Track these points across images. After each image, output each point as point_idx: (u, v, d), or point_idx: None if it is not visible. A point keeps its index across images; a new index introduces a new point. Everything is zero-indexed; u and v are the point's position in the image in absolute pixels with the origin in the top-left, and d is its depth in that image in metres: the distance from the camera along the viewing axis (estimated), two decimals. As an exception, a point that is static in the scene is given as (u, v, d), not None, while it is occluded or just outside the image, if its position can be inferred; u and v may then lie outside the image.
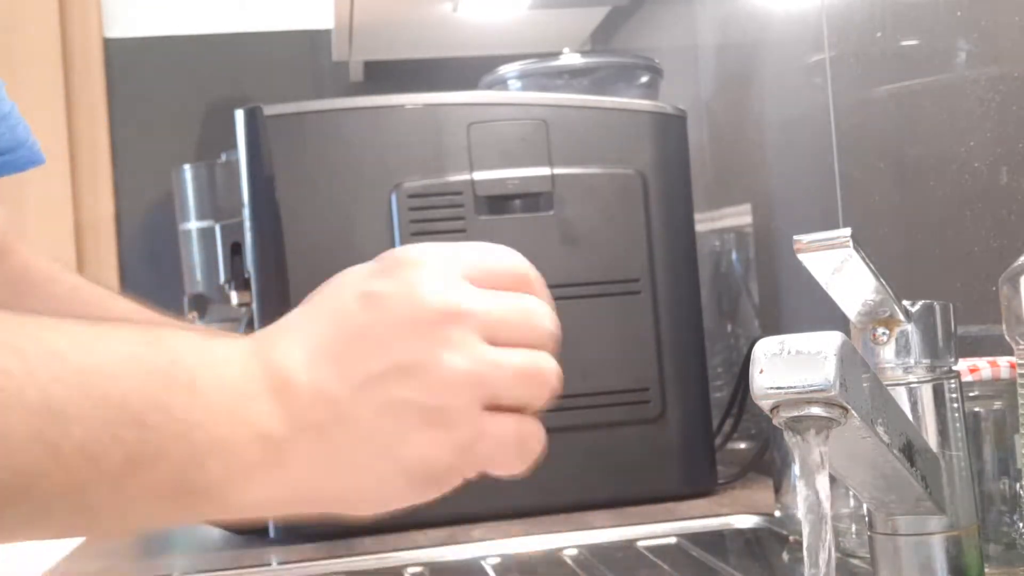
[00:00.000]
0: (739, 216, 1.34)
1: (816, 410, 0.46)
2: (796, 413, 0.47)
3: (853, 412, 0.47)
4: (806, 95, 1.12)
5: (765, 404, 0.48)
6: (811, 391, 0.46)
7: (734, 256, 1.37)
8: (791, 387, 0.46)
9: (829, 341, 0.46)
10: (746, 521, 1.01)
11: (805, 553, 0.46)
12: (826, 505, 0.46)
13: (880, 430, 0.50)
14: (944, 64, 0.88)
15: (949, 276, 0.88)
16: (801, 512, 0.47)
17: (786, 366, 0.46)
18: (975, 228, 0.84)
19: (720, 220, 1.40)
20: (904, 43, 0.94)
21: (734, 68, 1.34)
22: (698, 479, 1.12)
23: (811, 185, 1.12)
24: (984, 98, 0.83)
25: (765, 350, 0.47)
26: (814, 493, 0.46)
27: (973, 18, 0.84)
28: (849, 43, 1.03)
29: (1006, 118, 0.80)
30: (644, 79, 1.28)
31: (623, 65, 1.28)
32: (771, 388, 0.47)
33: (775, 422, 0.48)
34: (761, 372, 0.47)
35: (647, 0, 1.66)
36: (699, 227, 1.25)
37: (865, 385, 0.48)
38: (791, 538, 0.91)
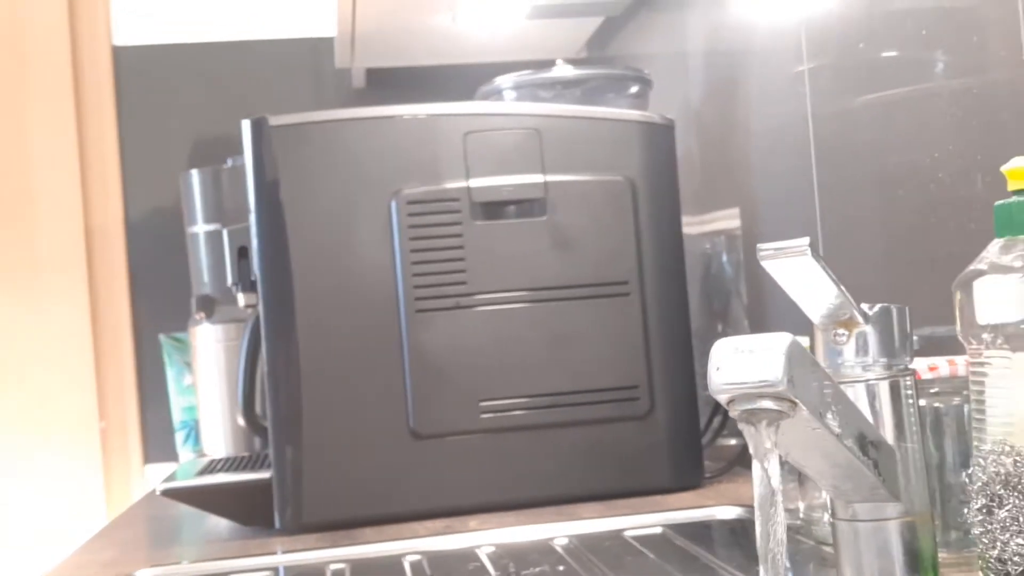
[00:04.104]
0: (728, 219, 1.38)
1: (767, 403, 0.51)
2: (749, 406, 0.51)
3: (801, 405, 0.51)
4: (788, 104, 1.16)
5: (722, 398, 0.52)
6: (761, 386, 0.51)
7: (724, 258, 1.41)
8: (744, 382, 0.51)
9: (778, 341, 0.51)
10: (729, 512, 1.05)
11: (757, 527, 0.51)
12: (776, 483, 0.51)
13: (830, 422, 0.55)
14: (913, 78, 0.92)
15: (919, 280, 0.93)
16: (754, 492, 0.52)
17: (740, 363, 0.51)
18: (940, 234, 0.89)
19: (710, 223, 1.43)
20: (879, 56, 0.98)
21: (721, 77, 1.38)
22: (685, 474, 1.16)
23: (793, 191, 1.16)
24: (947, 112, 0.87)
25: (722, 349, 0.52)
26: (764, 474, 0.51)
27: (937, 36, 0.88)
28: (827, 55, 1.07)
29: (968, 131, 0.85)
30: (634, 89, 1.33)
31: (613, 76, 1.33)
32: (726, 384, 0.51)
33: (731, 414, 0.53)
34: (718, 369, 0.52)
35: (640, 10, 1.70)
36: (690, 230, 1.29)
37: (814, 381, 0.53)
38: (770, 528, 0.95)
